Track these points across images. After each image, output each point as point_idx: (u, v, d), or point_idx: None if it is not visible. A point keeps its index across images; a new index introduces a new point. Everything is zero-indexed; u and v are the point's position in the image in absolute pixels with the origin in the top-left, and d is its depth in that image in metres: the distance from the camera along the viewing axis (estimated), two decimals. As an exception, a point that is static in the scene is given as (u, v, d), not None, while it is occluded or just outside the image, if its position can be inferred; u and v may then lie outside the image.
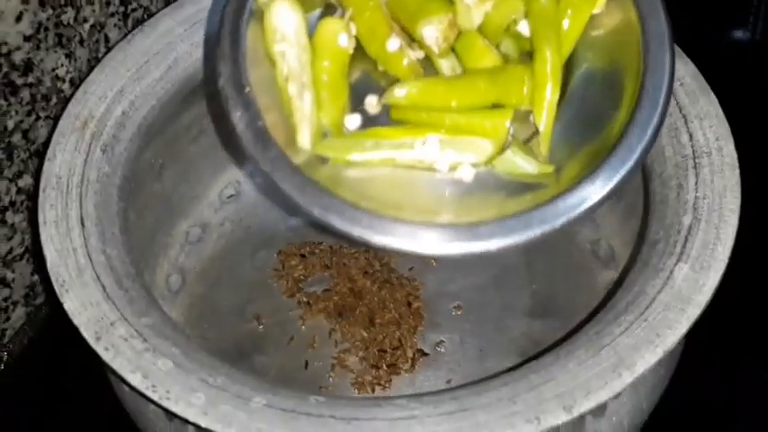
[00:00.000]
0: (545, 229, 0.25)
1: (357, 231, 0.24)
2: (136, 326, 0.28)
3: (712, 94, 0.35)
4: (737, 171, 0.32)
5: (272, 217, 0.45)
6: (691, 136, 0.33)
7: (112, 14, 0.44)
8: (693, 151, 0.33)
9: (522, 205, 0.24)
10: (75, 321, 0.28)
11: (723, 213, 0.30)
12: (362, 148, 0.25)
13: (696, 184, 0.31)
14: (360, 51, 0.27)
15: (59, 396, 0.42)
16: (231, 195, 0.46)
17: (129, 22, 0.46)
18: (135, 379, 0.27)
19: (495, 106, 0.26)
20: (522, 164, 0.25)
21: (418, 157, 0.25)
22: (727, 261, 0.29)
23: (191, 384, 0.27)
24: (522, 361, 0.29)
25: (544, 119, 0.25)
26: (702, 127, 0.33)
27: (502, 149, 0.25)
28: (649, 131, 0.25)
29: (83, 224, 0.32)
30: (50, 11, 0.40)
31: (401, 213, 0.24)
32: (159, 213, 0.43)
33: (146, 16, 0.46)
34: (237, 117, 0.25)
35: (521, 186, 0.26)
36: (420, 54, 0.26)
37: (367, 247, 0.29)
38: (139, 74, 0.38)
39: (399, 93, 0.25)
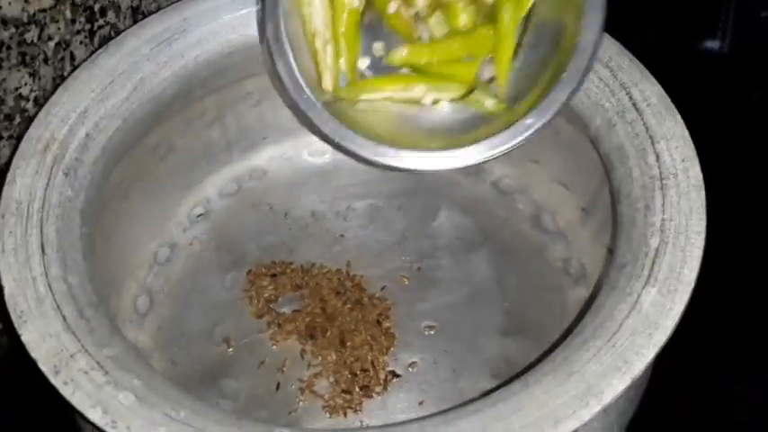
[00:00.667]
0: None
1: (371, 155, 0.32)
2: (97, 357, 0.28)
3: (678, 114, 0.35)
4: (703, 193, 0.32)
5: (242, 236, 0.45)
6: (657, 157, 0.33)
7: (78, 32, 0.44)
8: (660, 172, 0.33)
9: (487, 131, 0.32)
10: (33, 354, 0.28)
11: (689, 236, 0.30)
12: (370, 90, 0.34)
13: (663, 205, 0.32)
14: (369, 5, 0.35)
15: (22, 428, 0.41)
16: (200, 214, 0.46)
17: (96, 40, 0.45)
18: (95, 415, 0.26)
19: (468, 58, 0.34)
20: (484, 101, 0.34)
21: (410, 96, 0.34)
22: (693, 284, 0.29)
23: (153, 419, 0.26)
24: (496, 386, 0.29)
25: (500, 69, 0.34)
26: (669, 148, 0.33)
27: (470, 91, 0.34)
28: (578, 76, 0.31)
29: (43, 251, 0.31)
30: (13, 29, 0.39)
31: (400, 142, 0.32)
32: (126, 234, 0.42)
33: (113, 33, 0.46)
34: (279, 66, 0.32)
35: (485, 117, 0.34)
36: (413, 11, 0.35)
37: (386, 168, 0.32)
38: (104, 94, 0.37)
39: (396, 55, 0.34)
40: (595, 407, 0.26)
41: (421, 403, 0.39)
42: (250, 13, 0.41)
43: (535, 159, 0.46)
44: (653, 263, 0.30)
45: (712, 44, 0.61)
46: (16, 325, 0.29)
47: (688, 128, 0.35)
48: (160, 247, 0.44)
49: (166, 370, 0.38)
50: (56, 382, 0.27)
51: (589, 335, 0.28)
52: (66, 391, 0.27)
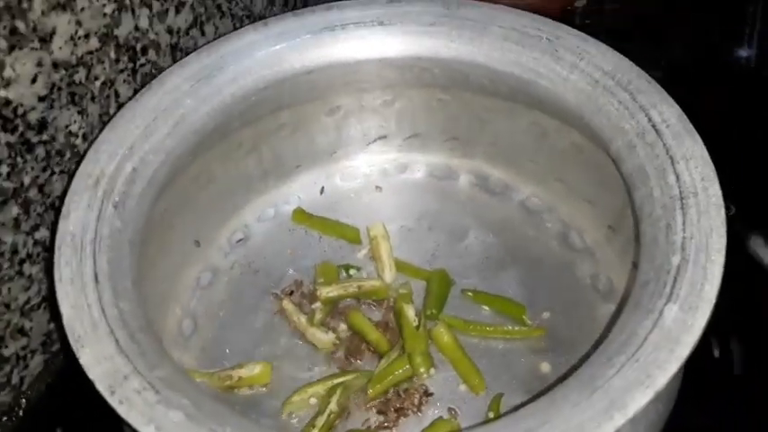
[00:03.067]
0: None
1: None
2: (148, 378, 0.30)
3: (697, 135, 0.36)
4: (723, 211, 0.33)
5: (279, 259, 0.47)
6: (677, 177, 0.34)
7: (122, 71, 0.46)
8: (680, 192, 0.34)
9: None
10: (90, 375, 0.30)
11: (710, 253, 0.31)
12: None
13: (684, 224, 0.32)
14: None
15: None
16: (240, 240, 0.47)
17: (138, 78, 0.47)
18: (148, 431, 0.28)
19: None
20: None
21: None
22: (714, 300, 0.30)
23: (201, 435, 0.28)
24: (527, 400, 0.30)
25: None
26: (689, 168, 0.34)
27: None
28: None
29: (97, 280, 0.33)
30: (63, 71, 0.42)
31: None
32: (171, 260, 0.44)
33: (154, 71, 0.48)
34: None
35: None
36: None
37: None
38: (148, 131, 0.40)
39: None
40: (620, 420, 0.27)
41: (455, 419, 0.40)
42: (283, 48, 0.44)
43: (561, 178, 0.47)
44: (674, 280, 0.31)
45: (739, 55, 0.62)
46: (74, 348, 0.31)
47: (714, 139, 0.35)
48: (203, 272, 0.46)
49: (209, 394, 0.39)
50: (112, 401, 0.29)
51: (613, 351, 0.29)
52: (121, 410, 0.29)
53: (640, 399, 0.27)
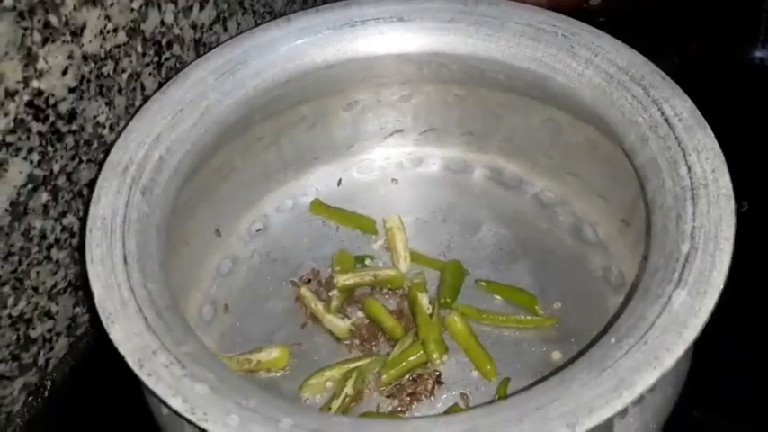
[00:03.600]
0: None
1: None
2: (175, 354, 0.31)
3: (708, 128, 0.37)
4: (732, 201, 0.34)
5: (297, 249, 0.48)
6: (689, 168, 0.35)
7: (147, 64, 0.48)
8: (691, 183, 0.35)
9: None
10: (121, 350, 0.31)
11: (719, 242, 0.32)
12: None
13: (694, 214, 0.33)
14: None
15: (100, 420, 0.45)
16: (259, 229, 0.49)
17: (163, 71, 0.49)
18: (176, 402, 0.29)
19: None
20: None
21: None
22: (722, 286, 0.31)
23: (226, 407, 0.29)
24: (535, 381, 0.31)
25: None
26: (700, 160, 0.35)
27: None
28: None
29: (126, 261, 0.35)
30: (92, 64, 0.43)
31: None
32: (193, 248, 0.45)
33: (178, 65, 0.50)
34: None
35: None
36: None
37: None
38: (174, 121, 0.41)
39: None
40: (627, 397, 0.28)
41: (466, 405, 0.41)
42: (305, 43, 0.45)
43: (575, 173, 0.48)
44: (683, 267, 0.32)
45: (753, 55, 0.62)
46: (105, 325, 0.32)
47: (727, 137, 0.36)
48: (223, 260, 0.47)
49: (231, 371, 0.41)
50: (141, 374, 0.30)
51: (623, 334, 0.30)
52: (150, 382, 0.30)
53: (648, 378, 0.28)
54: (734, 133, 0.55)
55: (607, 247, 0.46)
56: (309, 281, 0.47)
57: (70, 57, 0.42)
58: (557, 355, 0.43)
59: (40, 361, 0.46)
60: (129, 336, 0.32)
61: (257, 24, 0.48)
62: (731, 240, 0.32)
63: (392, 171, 0.51)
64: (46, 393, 0.46)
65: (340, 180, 0.51)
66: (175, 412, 0.29)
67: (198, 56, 0.48)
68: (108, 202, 0.37)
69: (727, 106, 0.57)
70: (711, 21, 0.64)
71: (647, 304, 0.31)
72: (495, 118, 0.48)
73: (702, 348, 0.33)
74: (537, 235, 0.47)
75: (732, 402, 0.43)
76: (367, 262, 0.47)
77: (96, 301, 0.33)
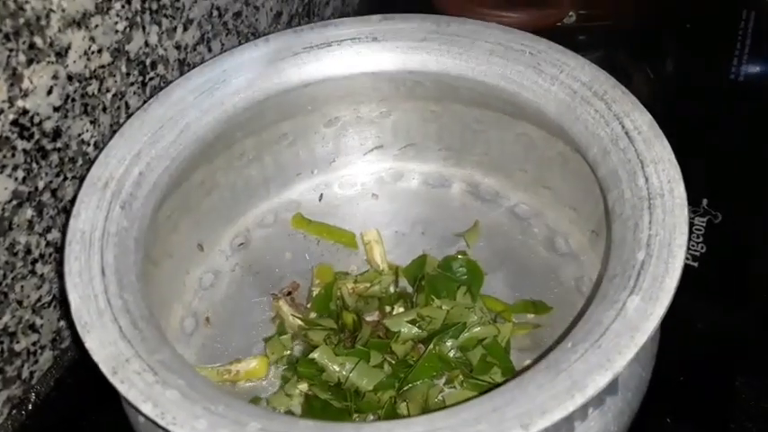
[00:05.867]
0: None
1: None
2: (148, 362, 0.32)
3: (665, 140, 0.38)
4: (686, 210, 0.35)
5: (278, 262, 0.49)
6: (647, 179, 0.37)
7: (132, 84, 0.49)
8: (649, 193, 0.36)
9: None
10: (95, 358, 0.32)
11: (672, 249, 0.34)
12: None
13: (650, 222, 0.35)
14: None
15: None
16: (241, 244, 0.50)
17: (148, 90, 0.51)
18: (146, 408, 0.30)
19: None
20: None
21: None
22: (673, 292, 0.32)
23: (195, 412, 0.30)
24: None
25: None
26: (657, 171, 0.37)
27: None
28: None
29: (103, 273, 0.36)
30: (77, 84, 0.45)
31: None
32: (176, 262, 0.47)
33: (162, 84, 0.51)
34: None
35: None
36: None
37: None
38: (154, 138, 0.42)
39: None
40: (579, 399, 0.29)
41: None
42: (282, 63, 0.46)
43: (548, 186, 0.49)
44: (638, 274, 0.33)
45: (729, 71, 0.63)
46: (81, 334, 0.34)
47: (700, 151, 0.37)
48: (205, 274, 0.48)
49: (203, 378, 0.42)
50: (114, 381, 0.32)
51: (579, 339, 0.31)
52: (122, 389, 0.31)
53: (600, 380, 0.29)
54: (708, 148, 0.56)
55: (579, 257, 0.47)
56: (290, 293, 0.48)
57: (55, 77, 0.43)
58: (530, 366, 0.44)
59: (24, 374, 0.47)
60: (103, 344, 0.33)
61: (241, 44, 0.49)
62: (684, 248, 0.33)
63: (372, 186, 0.52)
64: (30, 406, 0.47)
65: (321, 195, 0.52)
66: (147, 417, 0.30)
67: (182, 75, 0.49)
68: (88, 217, 0.38)
69: (702, 121, 0.59)
70: (687, 37, 0.66)
71: (603, 309, 0.32)
72: (472, 133, 0.49)
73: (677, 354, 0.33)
74: (512, 247, 0.48)
75: (702, 409, 0.44)
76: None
77: (73, 311, 0.34)
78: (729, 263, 0.50)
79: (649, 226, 0.34)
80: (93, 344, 0.33)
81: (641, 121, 0.39)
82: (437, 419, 0.29)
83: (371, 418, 0.42)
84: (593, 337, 0.31)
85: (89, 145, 0.47)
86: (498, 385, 0.40)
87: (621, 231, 0.35)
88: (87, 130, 0.47)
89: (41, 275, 0.46)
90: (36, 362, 0.48)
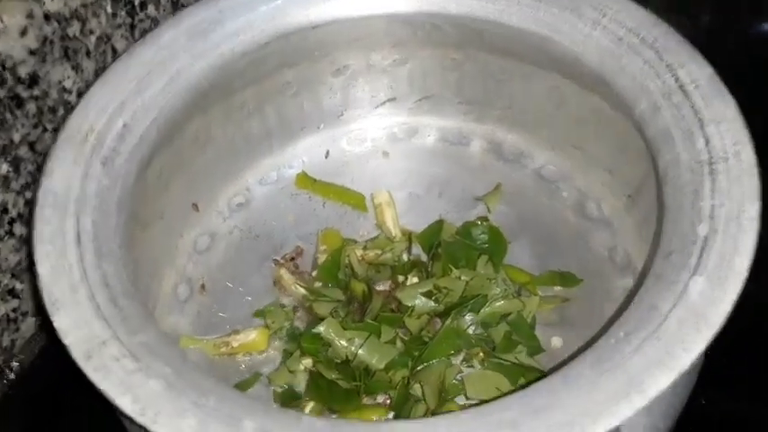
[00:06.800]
0: None
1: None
2: (128, 345, 0.27)
3: (729, 96, 0.32)
4: (756, 178, 0.29)
5: (280, 225, 0.45)
6: (707, 141, 0.31)
7: (119, 26, 0.44)
8: (710, 157, 0.30)
9: None
10: (66, 341, 0.27)
11: (741, 222, 0.28)
12: None
13: (712, 191, 0.29)
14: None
15: (70, 405, 0.42)
16: (240, 203, 0.45)
17: (137, 33, 0.45)
18: (124, 402, 0.25)
19: None
20: None
21: None
22: (746, 274, 0.27)
23: (182, 406, 0.25)
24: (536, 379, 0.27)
25: None
26: (719, 131, 0.31)
27: None
28: None
29: (79, 240, 0.31)
30: (56, 24, 0.39)
31: None
32: (168, 223, 0.42)
33: (153, 27, 0.45)
34: None
35: None
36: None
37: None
38: (141, 86, 0.37)
39: None
40: (638, 403, 0.24)
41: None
42: (286, 2, 0.40)
43: (579, 145, 0.44)
44: (701, 251, 0.27)
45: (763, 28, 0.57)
46: (49, 312, 0.28)
47: (744, 112, 0.32)
48: (200, 236, 0.44)
49: (194, 363, 0.37)
50: (86, 368, 0.27)
51: (632, 326, 0.26)
52: (96, 378, 0.26)
53: (662, 379, 0.24)
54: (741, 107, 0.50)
55: (612, 224, 0.42)
56: (293, 259, 0.43)
57: (30, 16, 0.38)
58: (557, 342, 0.39)
59: (5, 342, 0.43)
60: (76, 324, 0.28)
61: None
62: (756, 221, 0.28)
63: (384, 143, 0.47)
64: (12, 375, 0.43)
65: (328, 152, 0.47)
66: (123, 414, 0.25)
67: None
68: (63, 175, 0.33)
69: (736, 79, 0.53)
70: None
71: (659, 292, 0.27)
72: (496, 85, 0.44)
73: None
74: (538, 212, 0.43)
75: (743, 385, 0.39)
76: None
77: (42, 284, 0.29)
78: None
79: (711, 195, 0.29)
80: (63, 323, 0.28)
81: (699, 73, 0.33)
82: (466, 420, 0.24)
83: (382, 399, 0.37)
84: (649, 325, 0.26)
85: (71, 93, 0.42)
86: (524, 368, 0.36)
87: (677, 200, 0.30)
88: (69, 77, 0.41)
89: (20, 237, 0.41)
90: (17, 329, 0.43)
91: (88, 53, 0.42)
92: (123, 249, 0.32)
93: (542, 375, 0.37)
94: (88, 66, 0.42)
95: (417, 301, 0.39)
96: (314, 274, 0.42)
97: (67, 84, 0.41)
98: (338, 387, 0.37)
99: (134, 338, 0.27)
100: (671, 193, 0.31)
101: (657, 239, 0.30)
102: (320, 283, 0.42)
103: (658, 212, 0.31)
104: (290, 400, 0.38)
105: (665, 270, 0.28)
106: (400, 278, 0.41)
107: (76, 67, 0.41)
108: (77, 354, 0.27)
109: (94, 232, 0.31)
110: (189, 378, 0.26)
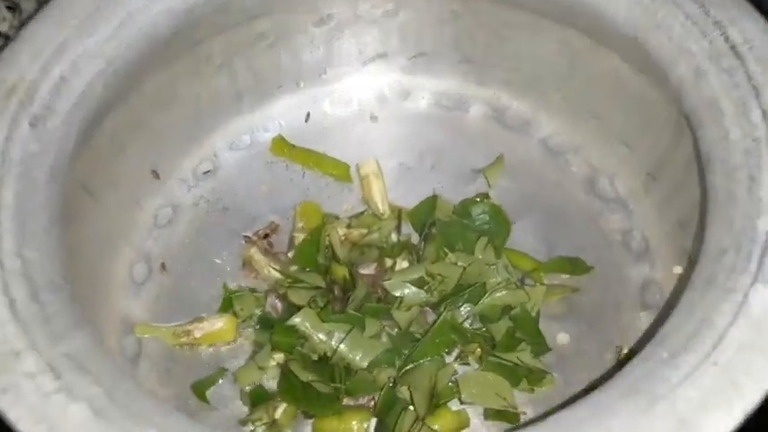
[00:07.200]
0: None
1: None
2: (49, 356, 0.21)
3: (793, 60, 0.27)
4: (829, 161, 0.24)
5: (253, 197, 0.40)
6: (764, 113, 0.26)
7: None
8: (768, 133, 0.25)
9: None
10: (-33, 353, 0.21)
11: (813, 218, 0.23)
12: None
13: (773, 176, 0.24)
14: None
15: None
16: (207, 171, 0.41)
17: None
18: (37, 434, 0.20)
19: None
20: None
21: None
22: (821, 283, 0.22)
23: (111, 442, 0.20)
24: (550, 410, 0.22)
25: None
26: (780, 102, 0.26)
27: None
28: None
29: (-5, 219, 0.25)
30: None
31: None
32: (122, 193, 0.38)
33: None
34: None
35: None
36: None
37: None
38: (83, 30, 0.32)
39: None
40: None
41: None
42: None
43: (594, 113, 0.40)
44: (763, 252, 0.22)
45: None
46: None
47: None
48: (161, 208, 0.40)
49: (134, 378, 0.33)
50: (-9, 390, 0.21)
51: (679, 344, 0.20)
52: (3, 403, 0.20)
53: (724, 420, 0.19)
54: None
55: (627, 205, 0.39)
56: (266, 236, 0.39)
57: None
58: (563, 338, 0.36)
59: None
60: (-18, 329, 0.22)
61: None
62: (831, 216, 0.22)
63: (372, 105, 0.43)
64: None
65: (308, 114, 0.43)
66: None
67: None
68: (-22, 136, 0.27)
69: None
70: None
71: (712, 301, 0.21)
72: (499, 41, 0.40)
73: None
74: (544, 188, 0.40)
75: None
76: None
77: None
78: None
79: (773, 181, 0.24)
80: (-34, 329, 0.22)
81: (753, 31, 0.28)
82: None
83: (366, 399, 0.32)
84: (701, 345, 0.20)
85: (7, 38, 0.36)
86: (527, 369, 0.32)
87: (726, 186, 0.25)
88: (4, 19, 0.36)
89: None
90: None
91: (27, -9, 0.36)
92: (55, 229, 0.26)
93: (546, 377, 0.32)
94: (28, 7, 0.36)
95: (407, 291, 0.34)
96: (290, 254, 0.37)
97: (2, 27, 0.35)
98: (314, 391, 0.32)
99: (57, 347, 0.22)
100: (718, 177, 0.26)
101: (701, 233, 0.24)
102: (297, 267, 0.36)
103: (701, 199, 0.26)
104: (259, 400, 0.33)
105: (716, 273, 0.22)
106: (388, 262, 0.37)
107: (14, 8, 0.37)
108: (-20, 369, 0.21)
109: (16, 208, 0.25)
110: (123, 401, 0.21)
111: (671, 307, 0.23)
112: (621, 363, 0.33)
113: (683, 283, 0.33)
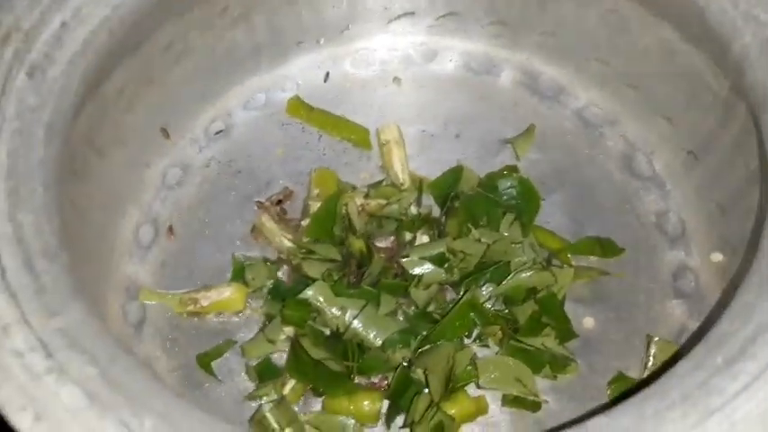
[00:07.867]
0: None
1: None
2: (41, 331, 0.19)
3: None
4: None
5: (266, 160, 0.39)
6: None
7: None
8: None
9: None
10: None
11: None
12: None
13: None
14: None
15: None
16: (220, 131, 0.39)
17: None
18: (23, 420, 0.18)
19: None
20: None
21: None
22: None
23: (104, 429, 0.18)
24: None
25: None
26: None
27: None
28: None
29: (-16, 179, 0.23)
30: None
31: None
32: (129, 151, 0.36)
33: None
34: None
35: None
36: None
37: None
38: (88, -28, 0.29)
39: None
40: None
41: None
42: None
43: (635, 84, 0.38)
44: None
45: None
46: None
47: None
48: (170, 168, 0.38)
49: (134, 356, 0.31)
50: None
51: (736, 351, 0.18)
52: (-14, 384, 0.18)
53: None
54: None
55: (664, 185, 0.37)
56: (279, 202, 0.37)
57: None
58: (589, 322, 0.34)
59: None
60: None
61: None
62: None
63: (396, 67, 0.41)
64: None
65: (328, 74, 0.41)
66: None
67: None
68: (-30, 88, 0.25)
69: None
70: None
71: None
72: (538, 3, 0.38)
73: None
74: (576, 163, 0.38)
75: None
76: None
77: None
78: None
79: None
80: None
81: None
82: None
83: (378, 379, 0.31)
84: (760, 352, 0.18)
85: None
86: (551, 355, 0.30)
87: None
88: None
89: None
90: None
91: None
92: (52, 190, 0.25)
93: (570, 364, 0.31)
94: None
95: (426, 269, 0.32)
96: (304, 223, 0.35)
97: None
98: (325, 368, 0.30)
99: (50, 321, 0.20)
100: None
101: (761, 223, 0.22)
102: (311, 238, 0.34)
103: (763, 187, 0.23)
104: (267, 375, 0.32)
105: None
106: (407, 236, 0.35)
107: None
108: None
109: (9, 167, 0.23)
110: (121, 384, 0.19)
111: (722, 305, 0.21)
112: (654, 356, 0.31)
113: (723, 273, 0.31)
